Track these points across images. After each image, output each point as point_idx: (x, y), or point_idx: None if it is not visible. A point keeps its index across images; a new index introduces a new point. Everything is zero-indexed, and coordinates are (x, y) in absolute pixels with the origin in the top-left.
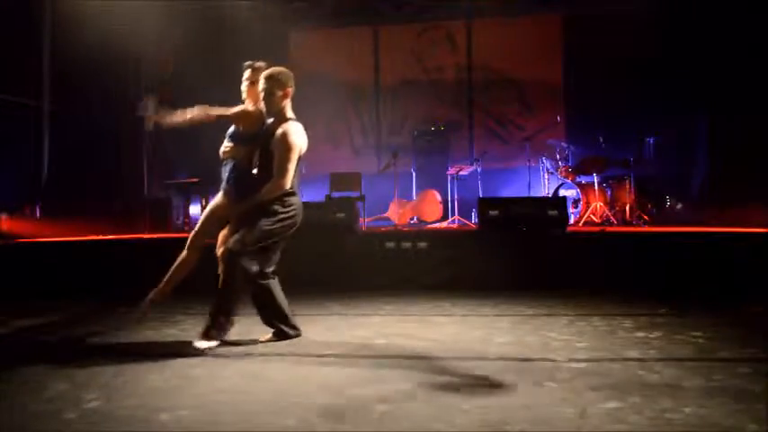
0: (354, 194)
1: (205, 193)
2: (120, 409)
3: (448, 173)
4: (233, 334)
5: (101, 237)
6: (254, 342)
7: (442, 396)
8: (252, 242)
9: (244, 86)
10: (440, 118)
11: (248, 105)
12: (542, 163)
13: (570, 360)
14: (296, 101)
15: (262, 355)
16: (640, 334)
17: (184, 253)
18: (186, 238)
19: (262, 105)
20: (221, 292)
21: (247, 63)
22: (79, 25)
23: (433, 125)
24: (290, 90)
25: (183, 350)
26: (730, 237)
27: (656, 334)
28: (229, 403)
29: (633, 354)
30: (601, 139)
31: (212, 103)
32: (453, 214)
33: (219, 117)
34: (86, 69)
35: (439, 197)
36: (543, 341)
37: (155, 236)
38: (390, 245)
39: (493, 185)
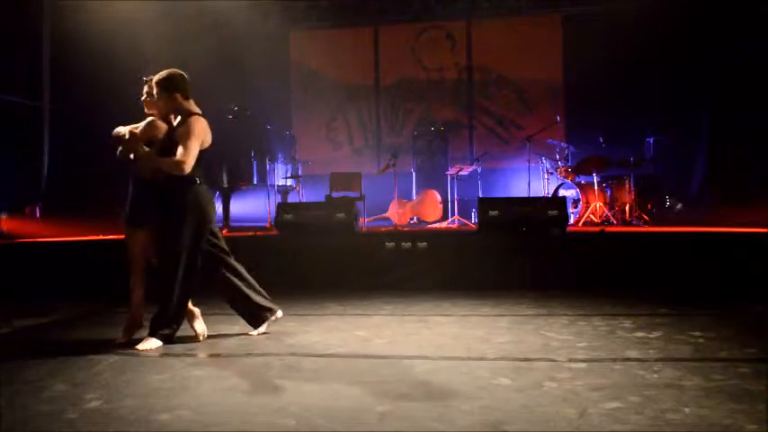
0: (354, 194)
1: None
2: (120, 409)
3: (448, 173)
4: (232, 334)
5: (101, 237)
6: (254, 342)
7: (442, 396)
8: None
9: (143, 99)
10: (440, 118)
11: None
12: (542, 163)
13: (570, 360)
14: (297, 101)
15: (262, 355)
16: (640, 334)
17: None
18: None
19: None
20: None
21: (145, 78)
22: (79, 25)
23: (432, 125)
24: (181, 91)
25: (183, 350)
26: (730, 237)
27: (656, 334)
28: (229, 403)
29: (633, 354)
30: (601, 139)
31: (214, 103)
32: (453, 214)
33: (132, 134)
34: (86, 69)
35: (439, 197)
36: (543, 341)
37: None
38: (390, 245)
39: (493, 185)
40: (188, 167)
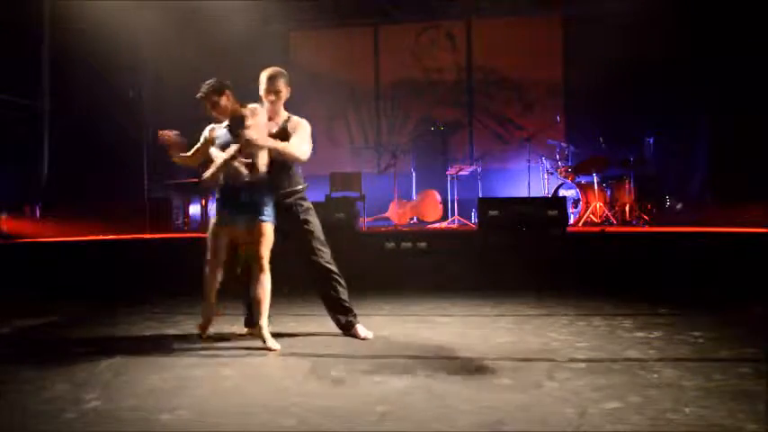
0: (354, 194)
1: (205, 194)
2: (120, 409)
3: (448, 173)
4: (233, 333)
5: (101, 237)
6: (254, 343)
7: (442, 396)
8: (323, 238)
9: (212, 113)
10: (440, 118)
11: (249, 118)
12: (542, 163)
13: (570, 360)
14: (296, 100)
15: (262, 355)
16: (640, 334)
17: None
18: (186, 239)
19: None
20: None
21: (197, 96)
22: (79, 25)
23: (433, 125)
24: (287, 90)
25: (183, 350)
26: (730, 237)
27: (656, 334)
28: (229, 403)
29: (633, 354)
30: (601, 139)
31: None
32: (453, 214)
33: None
34: (86, 69)
35: (439, 197)
36: (543, 341)
37: (155, 236)
38: (390, 245)
39: (493, 185)
40: (307, 155)
